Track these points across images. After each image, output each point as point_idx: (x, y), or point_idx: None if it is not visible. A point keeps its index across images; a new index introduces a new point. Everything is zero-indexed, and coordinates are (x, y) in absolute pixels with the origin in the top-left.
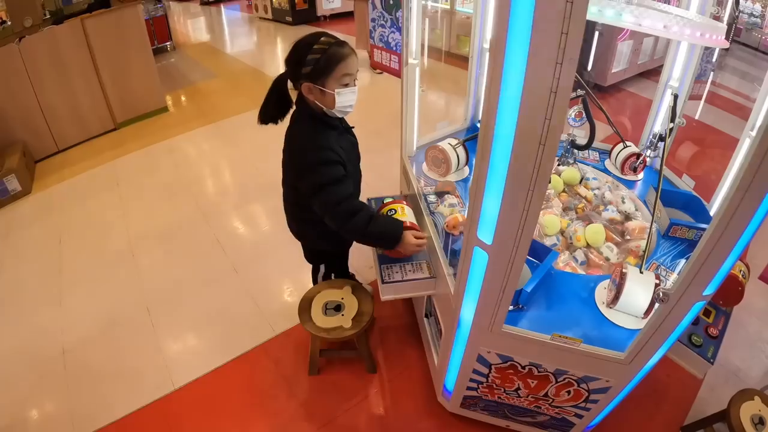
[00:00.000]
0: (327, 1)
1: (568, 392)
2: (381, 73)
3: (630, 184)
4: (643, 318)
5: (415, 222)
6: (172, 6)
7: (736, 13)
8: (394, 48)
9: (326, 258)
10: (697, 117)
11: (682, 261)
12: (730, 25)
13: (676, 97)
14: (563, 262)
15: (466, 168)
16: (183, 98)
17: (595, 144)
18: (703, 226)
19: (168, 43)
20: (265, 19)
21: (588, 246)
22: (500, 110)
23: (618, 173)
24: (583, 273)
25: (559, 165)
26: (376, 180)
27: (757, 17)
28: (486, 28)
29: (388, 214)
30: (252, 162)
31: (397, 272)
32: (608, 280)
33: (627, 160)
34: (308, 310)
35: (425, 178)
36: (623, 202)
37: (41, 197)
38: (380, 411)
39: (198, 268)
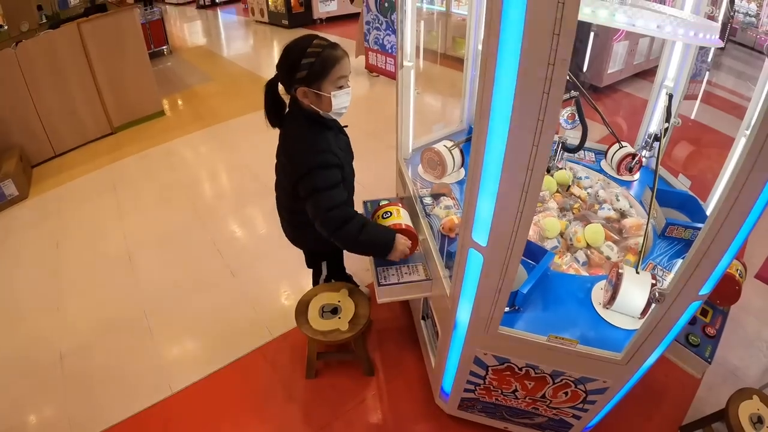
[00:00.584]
0: (323, 4)
1: (566, 393)
2: (377, 76)
3: (626, 185)
4: (639, 318)
5: (410, 224)
6: (169, 10)
7: (732, 13)
8: (390, 50)
9: (326, 260)
10: (693, 117)
11: (679, 261)
12: (725, 24)
13: (670, 96)
14: (566, 264)
15: (462, 170)
16: (180, 102)
17: (591, 145)
18: (700, 225)
19: (164, 47)
20: (261, 23)
21: (588, 246)
22: (493, 112)
23: (614, 174)
24: (586, 274)
25: (548, 170)
26: (372, 183)
27: (752, 17)
28: (481, 30)
29: (384, 216)
30: (249, 165)
31: (393, 275)
32: (605, 280)
33: (623, 160)
34: (305, 313)
35: (421, 180)
36: (617, 200)
37: (38, 202)
38: (378, 414)
39: (195, 272)
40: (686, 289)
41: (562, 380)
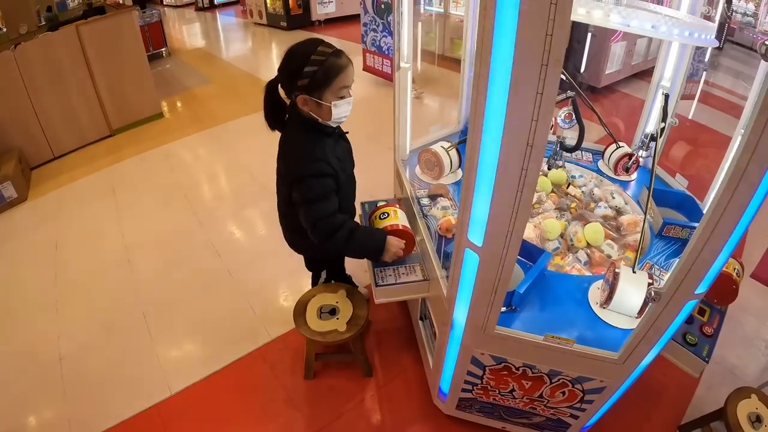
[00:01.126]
0: (321, 5)
1: (563, 393)
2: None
3: (624, 185)
4: (636, 318)
5: (408, 225)
6: (167, 12)
7: (729, 12)
8: (386, 52)
9: (326, 264)
10: (690, 116)
11: (676, 260)
12: (722, 24)
13: (666, 96)
14: (569, 265)
15: (459, 171)
16: (178, 104)
17: (588, 145)
18: (697, 225)
19: (163, 49)
20: (259, 25)
21: (588, 245)
22: (487, 112)
23: (611, 174)
24: (589, 273)
25: (548, 167)
26: (370, 184)
27: (750, 16)
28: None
29: (381, 217)
30: (247, 167)
31: (390, 275)
32: (601, 280)
33: (620, 160)
34: (303, 314)
35: (418, 181)
36: (613, 197)
37: (37, 204)
38: (376, 414)
39: (194, 274)
40: (682, 288)
41: (559, 380)
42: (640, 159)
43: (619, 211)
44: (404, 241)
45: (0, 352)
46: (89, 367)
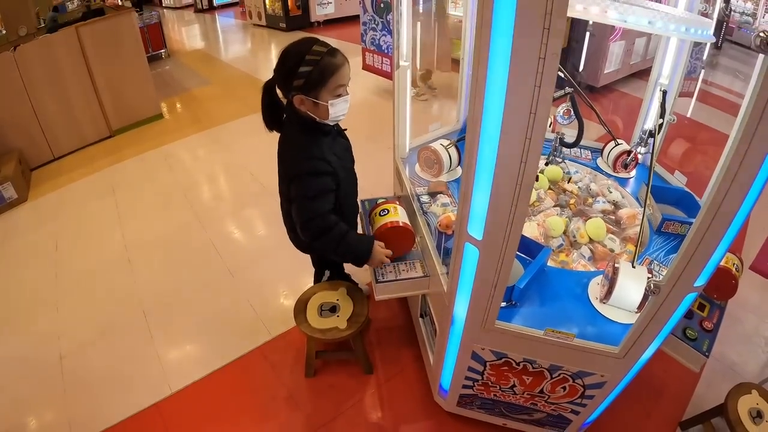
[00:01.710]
0: (320, 6)
1: (564, 388)
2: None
3: (623, 182)
4: (636, 312)
5: (407, 222)
6: (167, 14)
7: (728, 11)
8: (386, 51)
9: (333, 264)
10: (689, 114)
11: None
12: (720, 22)
13: (664, 93)
14: (574, 262)
15: (459, 168)
16: (178, 105)
17: (588, 143)
18: None
19: (162, 50)
20: (258, 26)
21: (591, 241)
22: (486, 105)
23: (610, 171)
24: (594, 269)
25: (546, 164)
26: (370, 182)
27: (748, 15)
28: None
29: (381, 214)
30: (247, 167)
31: (390, 272)
32: (601, 275)
33: (619, 157)
34: (303, 312)
35: (418, 179)
36: (610, 192)
37: (37, 204)
38: (377, 412)
39: (194, 273)
40: (681, 280)
41: (559, 375)
42: (639, 156)
43: (616, 205)
44: (390, 251)
45: (0, 351)
46: (89, 366)
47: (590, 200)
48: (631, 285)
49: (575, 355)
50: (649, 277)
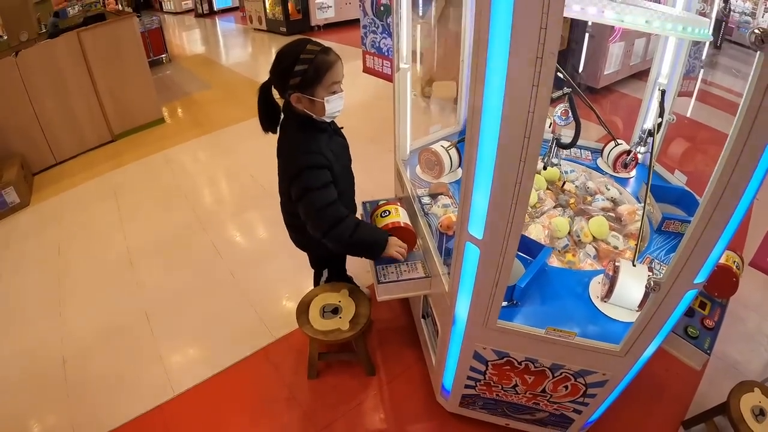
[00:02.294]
0: (321, 10)
1: (566, 387)
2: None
3: (623, 182)
4: (637, 311)
5: (409, 222)
6: (167, 18)
7: (727, 11)
8: (386, 53)
9: (331, 263)
10: (688, 114)
11: None
12: (720, 22)
13: (663, 92)
14: (581, 261)
15: (459, 170)
16: (179, 109)
17: (588, 143)
18: None
19: (163, 55)
20: (259, 30)
21: (594, 239)
22: (485, 104)
23: (611, 171)
24: (601, 267)
25: (544, 167)
26: (371, 184)
27: (748, 15)
28: None
29: (383, 215)
30: (248, 170)
31: (392, 272)
32: (602, 274)
33: (619, 157)
34: (306, 313)
35: (419, 180)
36: (607, 189)
37: (40, 209)
38: (379, 413)
39: (196, 276)
40: (681, 277)
41: (561, 374)
42: (639, 155)
43: (615, 202)
44: (406, 245)
45: (3, 354)
46: (92, 369)
47: (589, 198)
48: (632, 283)
49: (577, 353)
50: (649, 276)
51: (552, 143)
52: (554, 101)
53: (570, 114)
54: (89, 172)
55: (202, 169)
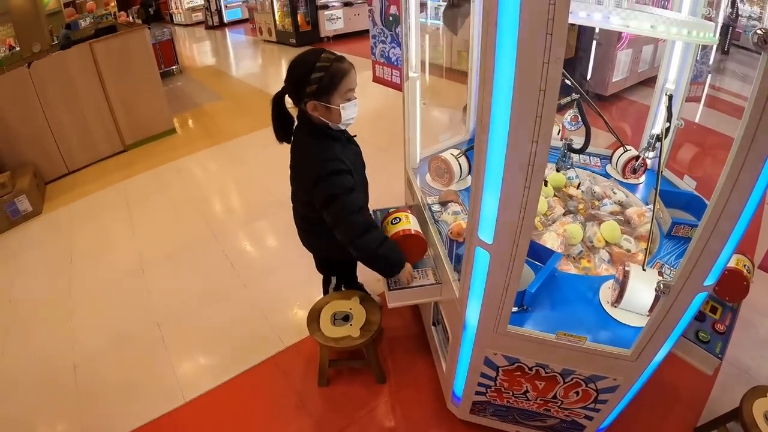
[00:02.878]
0: (330, 22)
1: (577, 393)
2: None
3: (632, 188)
4: (647, 315)
5: (419, 230)
6: (178, 30)
7: (734, 15)
8: (395, 63)
9: (338, 269)
10: (697, 120)
11: None
12: (727, 27)
13: (670, 97)
14: (597, 267)
15: (469, 177)
16: (190, 120)
17: (597, 150)
18: None
19: (174, 66)
20: (269, 42)
21: (607, 244)
22: (494, 109)
23: (620, 177)
24: (615, 272)
25: (557, 170)
26: (382, 192)
27: (755, 20)
28: None
29: (393, 222)
30: (259, 180)
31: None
32: (612, 279)
33: (627, 163)
34: (317, 320)
35: (429, 188)
36: (614, 192)
37: (52, 217)
38: (390, 421)
39: (207, 284)
40: (691, 279)
41: (572, 379)
42: (648, 161)
43: (622, 205)
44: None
45: (15, 361)
46: (103, 376)
47: (597, 203)
48: (642, 288)
49: (587, 358)
50: (659, 280)
51: (563, 148)
52: (563, 108)
53: (579, 119)
54: (101, 182)
55: (213, 179)
